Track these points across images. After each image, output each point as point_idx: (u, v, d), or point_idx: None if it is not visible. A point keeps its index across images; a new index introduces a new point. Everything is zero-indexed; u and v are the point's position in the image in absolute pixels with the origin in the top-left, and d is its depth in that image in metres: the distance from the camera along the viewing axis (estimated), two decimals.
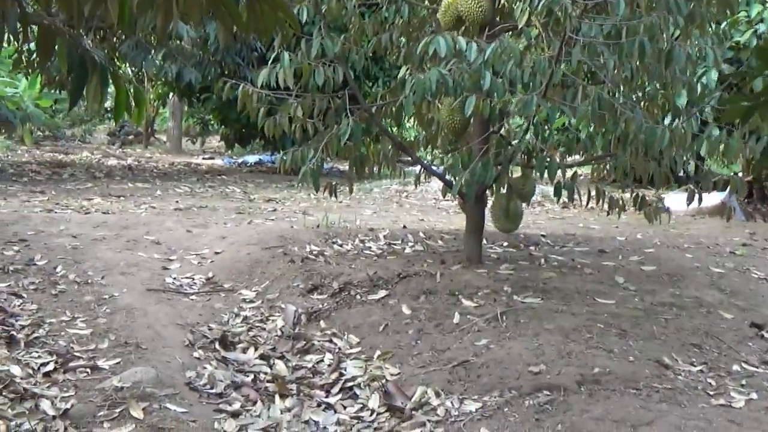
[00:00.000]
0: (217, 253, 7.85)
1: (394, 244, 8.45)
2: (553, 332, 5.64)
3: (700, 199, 6.76)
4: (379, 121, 7.55)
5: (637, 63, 5.99)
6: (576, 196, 6.32)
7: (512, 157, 6.18)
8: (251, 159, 20.27)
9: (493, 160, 6.08)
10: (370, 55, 7.73)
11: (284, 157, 7.13)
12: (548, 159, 5.88)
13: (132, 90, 3.32)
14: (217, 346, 5.78)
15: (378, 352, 5.68)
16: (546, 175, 5.95)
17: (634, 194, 6.81)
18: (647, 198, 6.79)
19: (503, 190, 6.71)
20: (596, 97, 5.84)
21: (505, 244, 8.66)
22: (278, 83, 6.79)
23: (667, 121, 6.49)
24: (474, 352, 5.48)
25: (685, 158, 6.72)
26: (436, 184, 11.34)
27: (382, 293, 6.52)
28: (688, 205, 6.73)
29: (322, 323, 6.23)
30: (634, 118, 5.90)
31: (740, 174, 13.32)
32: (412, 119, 8.15)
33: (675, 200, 9.48)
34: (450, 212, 12.01)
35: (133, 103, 3.34)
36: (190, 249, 8.06)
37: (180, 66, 13.59)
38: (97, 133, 30.25)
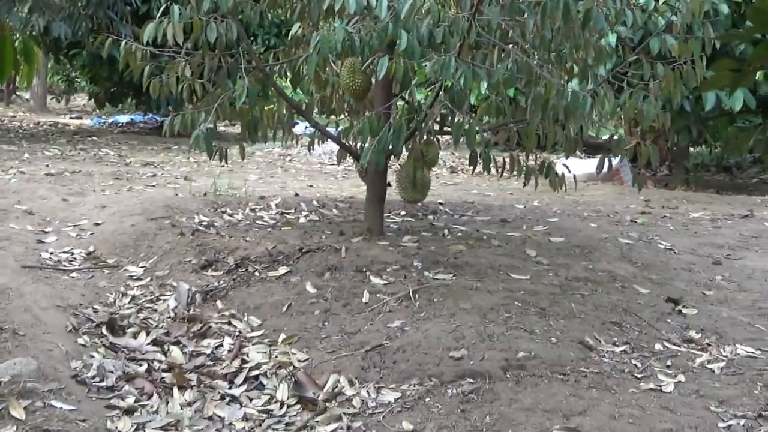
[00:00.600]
0: (97, 224, 7.24)
1: (288, 214, 7.98)
2: (471, 312, 5.28)
3: (611, 166, 6.49)
4: (275, 81, 7.05)
5: (558, 24, 5.63)
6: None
7: (425, 123, 5.75)
8: (122, 119, 19.37)
9: (405, 127, 5.63)
10: (265, 9, 7.19)
11: (174, 121, 6.57)
12: (467, 124, 5.48)
13: (21, 45, 2.77)
14: (104, 330, 5.24)
15: (282, 336, 5.22)
16: (463, 141, 5.55)
17: (540, 161, 6.47)
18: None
19: (410, 159, 6.29)
20: (515, 59, 5.48)
21: (403, 213, 8.28)
22: (161, 40, 6.22)
23: (572, 84, 6.17)
24: (387, 335, 5.07)
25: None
26: (321, 148, 10.92)
27: (282, 270, 6.04)
28: (598, 173, 6.46)
29: (219, 303, 5.73)
30: (553, 83, 5.55)
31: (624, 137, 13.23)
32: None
33: (571, 166, 9.24)
34: (338, 177, 11.57)
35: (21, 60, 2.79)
36: (67, 220, 7.42)
37: (48, 19, 12.68)
38: None
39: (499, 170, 6.06)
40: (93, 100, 18.71)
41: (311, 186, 10.17)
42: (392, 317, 5.27)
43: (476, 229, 7.47)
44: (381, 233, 6.99)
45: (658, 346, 5.22)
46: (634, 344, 5.23)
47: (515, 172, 6.22)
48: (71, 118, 21.18)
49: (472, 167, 5.80)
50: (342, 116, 7.86)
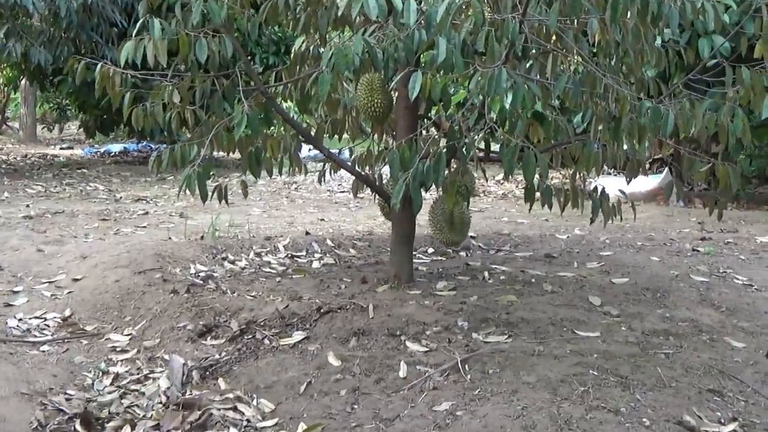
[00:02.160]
0: (76, 280, 6.14)
1: (298, 257, 6.91)
2: (537, 387, 4.18)
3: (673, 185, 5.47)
4: (280, 106, 5.98)
5: (630, 24, 4.56)
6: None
7: (468, 150, 4.66)
8: (115, 148, 18.28)
9: (444, 157, 4.54)
10: (263, 21, 6.14)
11: (161, 157, 5.55)
12: (519, 150, 4.40)
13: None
14: (77, 426, 4.16)
15: (302, 426, 4.12)
16: (519, 172, 4.48)
17: (588, 184, 5.39)
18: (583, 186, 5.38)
19: (448, 192, 5.20)
20: (577, 70, 4.42)
21: (430, 250, 7.20)
22: (147, 61, 5.21)
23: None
24: (435, 422, 3.97)
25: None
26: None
27: (298, 336, 4.95)
28: (668, 197, 5.37)
29: (222, 382, 4.63)
30: (627, 96, 4.48)
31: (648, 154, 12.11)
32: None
33: (607, 185, 8.18)
34: (351, 207, 10.46)
35: None
36: (42, 275, 6.34)
37: (26, 45, 11.58)
38: None
39: (561, 204, 4.98)
40: (83, 129, 17.61)
41: (322, 220, 9.08)
42: (439, 397, 4.18)
43: (521, 270, 6.38)
44: (410, 279, 5.93)
45: None
46: (744, 420, 4.12)
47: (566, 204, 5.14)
48: (62, 148, 20.09)
49: (528, 203, 4.72)
50: (357, 141, 6.81)
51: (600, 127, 4.73)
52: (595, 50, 5.13)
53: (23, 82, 19.67)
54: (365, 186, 6.55)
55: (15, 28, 11.87)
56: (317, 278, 6.14)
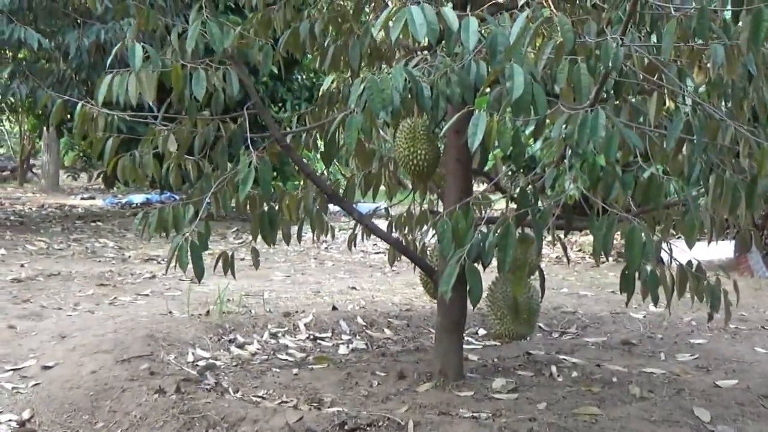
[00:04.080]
0: (46, 367, 4.96)
1: (322, 339, 5.73)
2: None
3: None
4: (299, 157, 4.84)
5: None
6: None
7: (545, 219, 3.43)
8: (137, 199, 17.23)
9: (513, 230, 3.32)
10: (283, 55, 5.02)
11: (149, 219, 4.48)
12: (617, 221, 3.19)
13: None
14: None
15: None
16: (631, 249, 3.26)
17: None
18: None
19: (514, 272, 3.98)
20: (695, 112, 3.23)
21: (481, 331, 5.98)
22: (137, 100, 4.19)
23: None
24: None
25: None
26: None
27: None
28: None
29: None
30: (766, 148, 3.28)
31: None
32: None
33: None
34: (386, 272, 9.23)
35: None
36: (8, 359, 5.18)
37: (32, 86, 10.52)
38: None
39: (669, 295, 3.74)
40: (101, 178, 16.57)
41: (354, 288, 7.85)
42: None
43: (596, 363, 5.16)
44: (459, 376, 4.72)
45: None
46: None
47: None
48: (83, 198, 19.07)
49: (626, 294, 3.50)
50: (395, 199, 5.68)
51: (719, 190, 3.50)
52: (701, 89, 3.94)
53: (47, 128, 18.73)
54: (401, 256, 5.42)
55: (19, 67, 10.84)
56: (343, 370, 4.95)
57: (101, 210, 16.20)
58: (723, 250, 9.03)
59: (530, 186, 3.41)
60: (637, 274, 3.50)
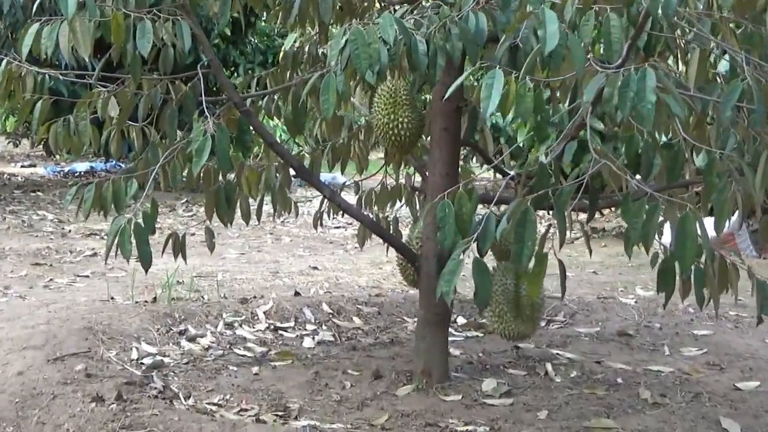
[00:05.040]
0: None
1: (284, 330, 5.11)
2: None
3: None
4: (261, 124, 4.18)
5: None
6: None
7: (564, 202, 2.81)
8: (81, 167, 16.31)
9: (533, 214, 2.70)
10: (238, 11, 4.33)
11: (85, 194, 3.83)
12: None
13: None
14: None
15: None
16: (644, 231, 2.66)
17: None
18: None
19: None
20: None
21: (460, 320, 5.39)
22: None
23: None
24: None
25: None
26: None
27: None
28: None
29: None
30: None
31: None
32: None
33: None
34: (349, 249, 8.60)
35: None
36: None
37: None
38: None
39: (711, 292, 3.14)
40: (42, 144, 15.66)
41: (315, 268, 7.18)
42: None
43: (594, 359, 4.59)
44: (445, 377, 4.12)
45: None
46: None
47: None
48: (23, 166, 18.11)
49: (664, 293, 2.91)
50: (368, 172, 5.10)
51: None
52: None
53: None
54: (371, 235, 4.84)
55: None
56: (310, 368, 4.34)
57: (42, 179, 15.31)
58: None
59: (549, 160, 2.79)
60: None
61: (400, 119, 3.81)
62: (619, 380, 4.24)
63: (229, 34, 13.04)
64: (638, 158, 2.71)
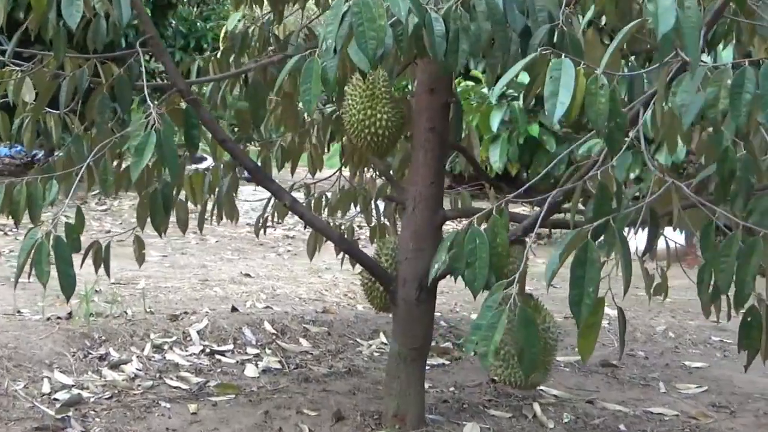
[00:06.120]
0: None
1: (222, 354, 4.43)
2: None
3: None
4: (210, 116, 3.47)
5: None
6: None
7: (621, 227, 2.19)
8: None
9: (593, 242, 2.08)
10: None
11: None
12: None
13: None
14: None
15: None
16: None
17: None
18: None
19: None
20: None
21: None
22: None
23: None
24: None
25: None
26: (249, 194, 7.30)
27: None
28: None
29: None
30: None
31: None
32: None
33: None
34: (281, 252, 7.90)
35: None
36: None
37: None
38: None
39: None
40: None
41: (247, 275, 6.46)
42: None
43: (584, 397, 4.03)
44: (421, 422, 3.49)
45: None
46: None
47: None
48: None
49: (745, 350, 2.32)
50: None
51: None
52: None
53: None
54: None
55: None
56: (258, 407, 3.67)
57: None
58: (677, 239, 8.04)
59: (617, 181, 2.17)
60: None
61: (379, 115, 3.18)
62: (622, 427, 3.65)
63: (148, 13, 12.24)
64: (731, 179, 2.11)
